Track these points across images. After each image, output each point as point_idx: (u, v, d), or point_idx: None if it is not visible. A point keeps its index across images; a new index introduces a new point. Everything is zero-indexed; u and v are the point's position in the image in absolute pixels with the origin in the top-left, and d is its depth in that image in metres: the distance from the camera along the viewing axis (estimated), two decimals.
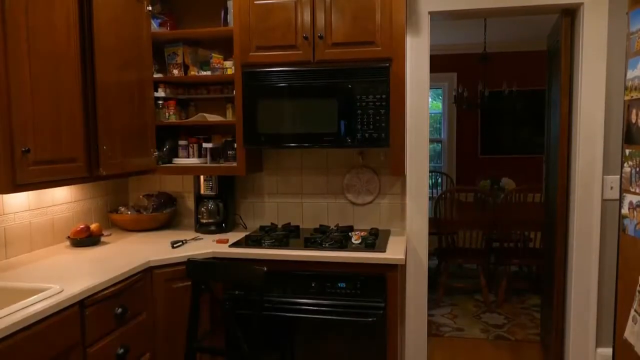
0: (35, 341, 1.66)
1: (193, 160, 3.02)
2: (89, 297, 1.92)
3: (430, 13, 2.89)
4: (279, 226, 3.01)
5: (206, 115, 2.99)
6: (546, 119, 3.56)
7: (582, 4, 2.77)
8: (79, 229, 2.59)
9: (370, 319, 2.40)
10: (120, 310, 2.08)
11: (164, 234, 2.97)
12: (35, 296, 1.74)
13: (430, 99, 2.95)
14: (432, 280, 4.68)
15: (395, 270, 2.42)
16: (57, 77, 2.13)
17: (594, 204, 2.85)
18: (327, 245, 2.56)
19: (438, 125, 7.15)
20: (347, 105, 2.60)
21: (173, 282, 2.40)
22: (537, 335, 3.81)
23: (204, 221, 2.98)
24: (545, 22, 3.36)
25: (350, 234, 2.76)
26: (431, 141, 6.55)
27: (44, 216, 2.57)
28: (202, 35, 2.94)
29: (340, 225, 3.00)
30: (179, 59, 2.97)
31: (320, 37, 2.62)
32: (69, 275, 2.06)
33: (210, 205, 2.97)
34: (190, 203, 3.23)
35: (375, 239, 2.65)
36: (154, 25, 2.92)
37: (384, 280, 2.41)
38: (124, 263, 2.25)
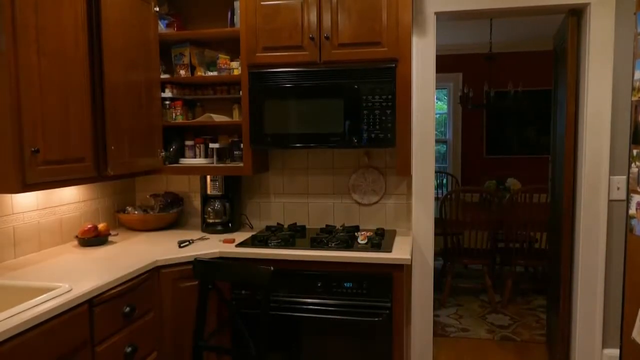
0: (45, 339, 1.67)
1: (199, 161, 3.04)
2: (97, 296, 1.93)
3: (437, 13, 2.89)
4: (285, 226, 3.02)
5: (213, 115, 3.00)
6: (552, 119, 3.55)
7: (588, 4, 2.76)
8: (86, 228, 2.61)
9: (376, 319, 2.41)
10: (128, 309, 2.10)
11: (171, 233, 2.98)
12: (45, 295, 1.76)
13: (435, 99, 2.95)
14: (437, 281, 4.68)
15: (401, 270, 2.42)
16: (65, 77, 2.15)
17: (601, 205, 2.84)
18: (333, 245, 2.57)
19: (442, 129, 7.14)
20: (353, 105, 2.61)
21: (180, 281, 2.41)
22: (543, 336, 3.80)
23: (211, 221, 3.00)
24: (552, 22, 3.35)
25: (356, 234, 2.76)
26: (436, 142, 6.54)
27: (52, 216, 2.59)
28: (209, 36, 2.95)
29: (346, 225, 3.01)
30: (186, 60, 2.98)
31: (327, 38, 2.63)
32: (77, 275, 2.08)
33: (217, 205, 2.99)
34: (197, 203, 3.24)
35: (381, 239, 2.66)
36: (161, 26, 2.94)
37: (390, 280, 2.42)
38: (131, 262, 2.26)
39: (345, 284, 2.47)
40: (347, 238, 2.62)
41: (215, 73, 2.97)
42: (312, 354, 2.52)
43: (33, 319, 1.62)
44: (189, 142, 3.08)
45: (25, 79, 1.93)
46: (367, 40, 2.60)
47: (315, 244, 2.60)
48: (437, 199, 4.71)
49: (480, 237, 4.42)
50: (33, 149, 1.96)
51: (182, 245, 2.63)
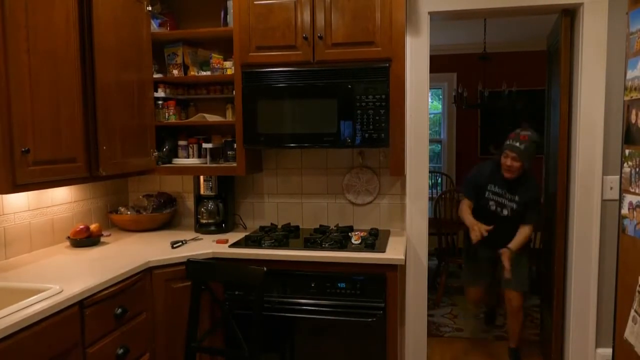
0: (35, 341, 1.66)
1: (193, 161, 3.02)
2: (88, 297, 1.92)
3: (430, 13, 2.89)
4: (279, 226, 3.01)
5: (206, 115, 2.99)
6: (546, 119, 3.56)
7: (581, 4, 2.77)
8: (78, 229, 2.59)
9: (370, 319, 2.40)
10: (120, 310, 2.08)
11: (164, 234, 2.96)
12: (35, 296, 1.74)
13: (429, 99, 2.95)
14: (431, 281, 4.68)
15: (395, 270, 2.42)
16: (56, 77, 2.13)
17: (594, 204, 2.85)
18: (326, 245, 2.56)
19: (437, 129, 7.14)
20: (347, 105, 2.60)
21: (173, 282, 2.40)
22: (537, 336, 3.81)
23: (204, 221, 2.98)
24: (545, 22, 3.36)
25: (350, 234, 2.75)
26: (431, 141, 6.54)
27: (44, 216, 2.57)
28: (202, 36, 2.94)
29: (340, 225, 3.00)
30: (179, 59, 2.97)
31: (320, 38, 2.62)
32: (68, 276, 2.06)
33: (210, 205, 2.97)
34: (190, 203, 3.23)
35: (375, 239, 2.65)
36: (154, 26, 2.92)
37: (383, 281, 2.41)
38: (123, 263, 2.25)
39: (339, 285, 2.46)
40: (340, 238, 2.61)
41: (208, 73, 2.96)
42: (305, 355, 2.52)
43: (23, 321, 1.61)
44: (182, 142, 3.07)
45: (15, 78, 1.91)
46: (360, 40, 2.59)
47: (309, 244, 2.59)
48: (431, 198, 4.71)
49: None
50: (23, 149, 1.94)
51: (175, 245, 2.61)
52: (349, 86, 2.59)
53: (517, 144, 3.00)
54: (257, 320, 2.14)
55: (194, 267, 2.29)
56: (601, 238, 2.86)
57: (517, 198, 3.11)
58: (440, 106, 7.11)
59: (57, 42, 2.14)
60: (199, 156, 3.04)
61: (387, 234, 2.90)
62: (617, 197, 2.71)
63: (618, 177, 2.68)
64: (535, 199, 3.14)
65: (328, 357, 2.50)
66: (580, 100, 2.82)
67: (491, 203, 3.16)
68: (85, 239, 2.60)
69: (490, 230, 3.05)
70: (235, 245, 2.65)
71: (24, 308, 1.67)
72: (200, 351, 2.39)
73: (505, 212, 3.13)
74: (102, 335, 1.99)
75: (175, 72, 2.97)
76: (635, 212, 2.18)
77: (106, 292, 2.02)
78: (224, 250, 2.57)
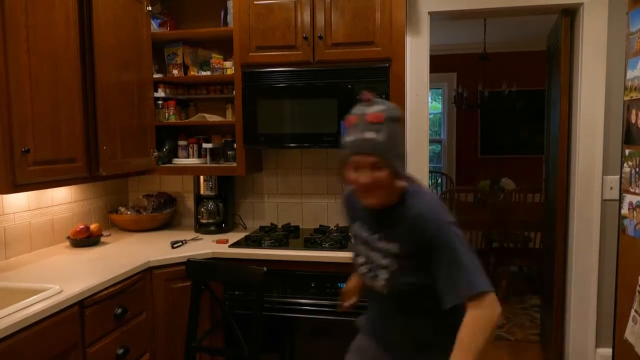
0: (35, 341, 1.66)
1: (193, 161, 3.02)
2: (88, 297, 1.92)
3: (430, 13, 2.89)
4: (279, 226, 3.01)
5: (206, 115, 2.99)
6: (546, 119, 3.56)
7: (581, 4, 2.76)
8: (78, 229, 2.59)
9: None
10: (120, 310, 2.08)
11: (164, 234, 2.96)
12: (35, 296, 1.74)
13: (429, 99, 2.95)
14: None
15: None
16: (56, 77, 2.13)
17: (594, 204, 2.85)
18: (327, 245, 2.56)
19: (437, 129, 7.14)
20: (347, 105, 2.57)
21: (173, 282, 2.40)
22: (537, 336, 3.81)
23: (204, 221, 2.98)
24: (545, 22, 3.36)
25: (350, 234, 2.75)
26: (431, 142, 6.55)
27: (44, 216, 2.57)
28: (202, 36, 2.94)
29: (340, 225, 3.00)
30: (179, 59, 2.97)
31: (320, 37, 2.62)
32: (68, 276, 2.06)
33: (210, 205, 2.97)
34: (190, 203, 3.23)
35: None
36: (154, 26, 2.92)
37: None
38: (123, 263, 2.25)
39: (339, 284, 2.45)
40: (340, 238, 2.61)
41: (208, 73, 2.96)
42: (305, 355, 2.52)
43: (23, 321, 1.61)
44: (182, 142, 3.07)
45: (15, 78, 1.91)
46: (360, 40, 2.59)
47: (309, 244, 2.59)
48: None
49: (474, 236, 4.42)
50: (23, 149, 1.94)
51: (175, 245, 2.61)
52: (349, 86, 2.59)
53: (367, 133, 1.39)
54: (257, 320, 2.14)
55: (194, 267, 2.30)
56: (601, 238, 2.86)
57: (393, 248, 1.46)
58: (440, 106, 7.10)
59: (57, 42, 2.14)
60: (199, 156, 3.04)
61: None
62: (617, 197, 2.71)
63: (618, 177, 2.68)
64: (430, 241, 1.40)
65: (328, 357, 2.49)
66: (580, 100, 2.82)
67: (360, 262, 1.59)
68: (85, 239, 2.60)
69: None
70: (235, 245, 2.65)
71: (24, 308, 1.67)
72: (200, 351, 2.39)
73: (380, 281, 1.49)
74: (102, 335, 1.99)
75: (175, 72, 2.97)
76: (635, 212, 2.18)
77: (106, 292, 2.02)
78: (224, 250, 2.57)
